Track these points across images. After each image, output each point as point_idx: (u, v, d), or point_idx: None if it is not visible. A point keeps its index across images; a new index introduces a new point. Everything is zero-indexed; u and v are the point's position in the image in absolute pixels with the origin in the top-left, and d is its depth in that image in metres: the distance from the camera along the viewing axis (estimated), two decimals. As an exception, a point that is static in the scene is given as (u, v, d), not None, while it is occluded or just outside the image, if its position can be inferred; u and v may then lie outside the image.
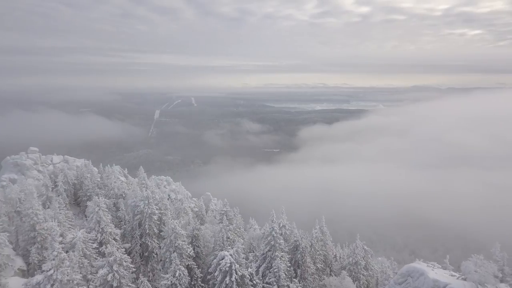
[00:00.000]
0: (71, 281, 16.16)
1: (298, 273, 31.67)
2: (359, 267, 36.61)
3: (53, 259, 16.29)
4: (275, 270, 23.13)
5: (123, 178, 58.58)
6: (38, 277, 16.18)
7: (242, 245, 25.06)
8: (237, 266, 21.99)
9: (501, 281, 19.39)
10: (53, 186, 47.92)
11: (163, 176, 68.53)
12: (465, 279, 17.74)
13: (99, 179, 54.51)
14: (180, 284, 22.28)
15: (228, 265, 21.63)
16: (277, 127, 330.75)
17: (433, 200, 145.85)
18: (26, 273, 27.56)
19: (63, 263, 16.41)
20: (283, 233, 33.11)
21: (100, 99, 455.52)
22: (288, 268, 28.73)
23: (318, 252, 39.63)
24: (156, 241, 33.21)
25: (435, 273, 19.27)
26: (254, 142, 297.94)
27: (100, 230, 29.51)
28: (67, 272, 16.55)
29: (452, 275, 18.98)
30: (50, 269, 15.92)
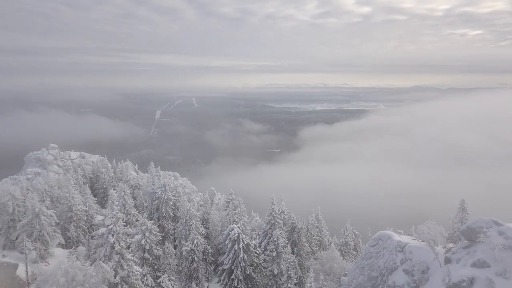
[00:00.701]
0: (125, 233, 21.91)
1: (295, 251, 37.08)
2: (348, 247, 42.08)
3: (112, 217, 21.65)
4: (274, 239, 28.59)
5: (134, 173, 64.27)
6: (102, 230, 21.58)
7: (247, 219, 30.51)
8: (244, 236, 27.49)
9: (451, 242, 24.97)
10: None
11: (170, 172, 74.15)
12: (421, 240, 23.21)
13: (113, 173, 60.43)
14: (197, 250, 27.78)
15: (236, 235, 27.12)
16: (278, 127, 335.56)
17: (433, 199, 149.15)
18: (64, 246, 33.08)
19: (118, 221, 21.82)
20: (282, 218, 38.54)
21: (101, 99, 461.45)
22: (286, 245, 34.09)
23: (314, 237, 45.13)
24: (171, 223, 38.66)
25: (400, 237, 24.82)
26: (255, 142, 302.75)
27: (126, 212, 34.98)
28: (122, 226, 22.03)
29: (413, 239, 24.43)
30: (110, 224, 21.33)
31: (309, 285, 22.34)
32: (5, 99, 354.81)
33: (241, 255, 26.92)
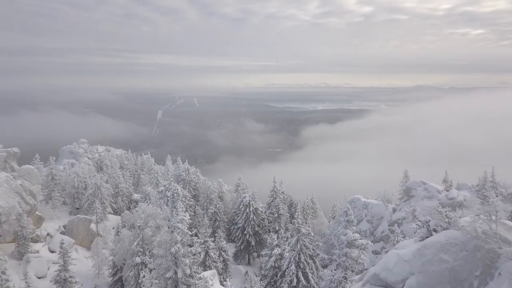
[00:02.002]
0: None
1: (292, 222, 47.47)
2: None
3: (167, 180, 31.96)
4: (275, 205, 39.10)
5: (153, 165, 74.85)
6: (160, 187, 31.85)
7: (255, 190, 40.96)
8: (253, 202, 37.94)
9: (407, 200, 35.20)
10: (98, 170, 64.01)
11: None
12: (380, 200, 33.66)
13: (134, 165, 71.14)
14: (219, 212, 38.31)
15: (248, 201, 37.53)
16: (280, 127, 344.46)
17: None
18: (112, 214, 43.57)
19: (171, 182, 32.15)
20: (282, 198, 48.93)
21: (104, 99, 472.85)
22: (285, 213, 44.39)
23: (309, 216, 55.38)
24: (193, 200, 49.10)
25: (366, 199, 35.25)
26: (257, 141, 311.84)
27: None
28: (175, 186, 32.46)
29: (374, 200, 34.80)
30: (165, 185, 31.68)
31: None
32: (9, 99, 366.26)
33: (251, 216, 37.29)
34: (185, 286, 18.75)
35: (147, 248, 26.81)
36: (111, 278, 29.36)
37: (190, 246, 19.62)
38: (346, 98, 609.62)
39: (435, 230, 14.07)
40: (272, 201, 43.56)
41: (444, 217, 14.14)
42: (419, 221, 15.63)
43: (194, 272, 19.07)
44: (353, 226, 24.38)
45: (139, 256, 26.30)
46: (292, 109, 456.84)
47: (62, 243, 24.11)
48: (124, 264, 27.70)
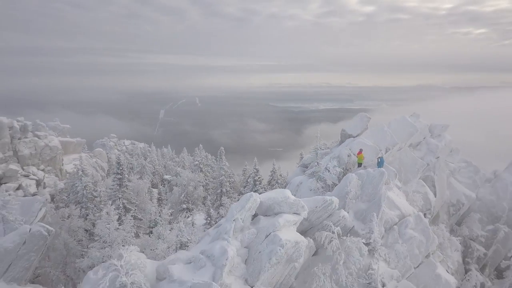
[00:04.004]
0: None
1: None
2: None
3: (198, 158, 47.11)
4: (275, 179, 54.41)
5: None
6: (196, 162, 47.13)
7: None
8: (257, 178, 53.07)
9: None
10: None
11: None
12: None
13: (155, 156, 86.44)
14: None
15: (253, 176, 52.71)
16: (282, 126, 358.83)
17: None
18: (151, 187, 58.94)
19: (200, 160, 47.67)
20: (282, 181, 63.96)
21: (107, 99, 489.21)
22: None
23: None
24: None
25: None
26: (259, 141, 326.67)
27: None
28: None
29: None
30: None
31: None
32: (16, 99, 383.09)
33: (256, 187, 52.47)
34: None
35: (190, 199, 41.90)
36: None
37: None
38: (348, 98, 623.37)
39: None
40: (272, 179, 58.64)
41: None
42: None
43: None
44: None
45: (184, 203, 41.38)
46: (294, 108, 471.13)
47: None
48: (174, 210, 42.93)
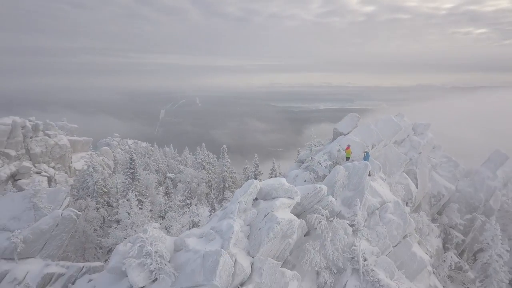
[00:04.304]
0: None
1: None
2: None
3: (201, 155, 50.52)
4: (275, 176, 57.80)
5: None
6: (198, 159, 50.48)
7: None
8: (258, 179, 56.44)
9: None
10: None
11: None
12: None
13: (158, 155, 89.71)
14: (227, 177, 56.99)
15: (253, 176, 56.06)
16: (282, 126, 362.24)
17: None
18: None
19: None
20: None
21: (107, 99, 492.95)
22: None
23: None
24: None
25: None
26: (260, 140, 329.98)
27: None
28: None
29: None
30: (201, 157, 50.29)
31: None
32: (18, 99, 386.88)
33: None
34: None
35: (194, 195, 45.22)
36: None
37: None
38: (348, 98, 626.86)
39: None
40: (272, 177, 61.99)
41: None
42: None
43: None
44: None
45: (188, 198, 44.68)
46: (294, 108, 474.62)
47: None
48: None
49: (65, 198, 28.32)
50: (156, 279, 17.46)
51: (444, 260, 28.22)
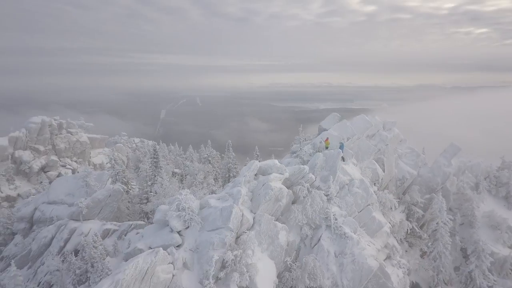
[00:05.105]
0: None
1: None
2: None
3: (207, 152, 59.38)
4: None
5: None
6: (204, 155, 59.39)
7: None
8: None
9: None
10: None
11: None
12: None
13: (166, 152, 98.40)
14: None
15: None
16: (283, 126, 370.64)
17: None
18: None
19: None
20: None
21: (108, 99, 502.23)
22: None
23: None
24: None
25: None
26: (260, 140, 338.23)
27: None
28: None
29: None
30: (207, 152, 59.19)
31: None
32: (19, 99, 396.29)
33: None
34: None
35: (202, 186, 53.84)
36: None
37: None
38: (348, 98, 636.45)
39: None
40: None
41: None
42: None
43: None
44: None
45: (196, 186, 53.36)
46: (295, 108, 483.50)
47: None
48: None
49: (107, 179, 37.14)
50: (189, 226, 26.24)
51: (402, 227, 36.98)
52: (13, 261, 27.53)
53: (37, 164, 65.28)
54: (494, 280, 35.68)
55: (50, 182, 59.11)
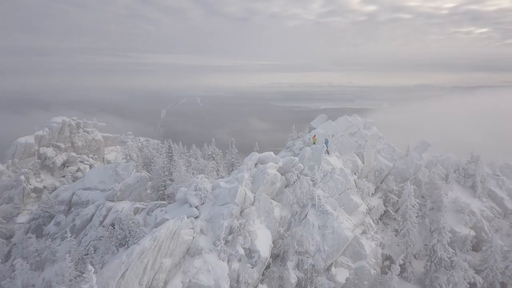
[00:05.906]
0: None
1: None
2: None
3: (211, 151, 67.63)
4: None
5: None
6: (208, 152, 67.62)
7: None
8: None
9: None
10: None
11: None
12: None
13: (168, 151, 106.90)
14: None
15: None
16: (283, 126, 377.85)
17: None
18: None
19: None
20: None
21: (109, 99, 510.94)
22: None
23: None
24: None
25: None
26: (261, 140, 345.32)
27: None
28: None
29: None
30: (211, 149, 67.49)
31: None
32: (22, 99, 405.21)
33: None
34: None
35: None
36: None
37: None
38: (349, 97, 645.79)
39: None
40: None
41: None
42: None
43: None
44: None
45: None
46: (295, 108, 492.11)
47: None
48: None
49: (133, 169, 45.50)
50: (204, 202, 34.55)
51: (378, 209, 45.33)
52: (68, 229, 35.81)
53: (59, 159, 73.55)
54: (453, 252, 44.02)
55: (71, 176, 67.58)
